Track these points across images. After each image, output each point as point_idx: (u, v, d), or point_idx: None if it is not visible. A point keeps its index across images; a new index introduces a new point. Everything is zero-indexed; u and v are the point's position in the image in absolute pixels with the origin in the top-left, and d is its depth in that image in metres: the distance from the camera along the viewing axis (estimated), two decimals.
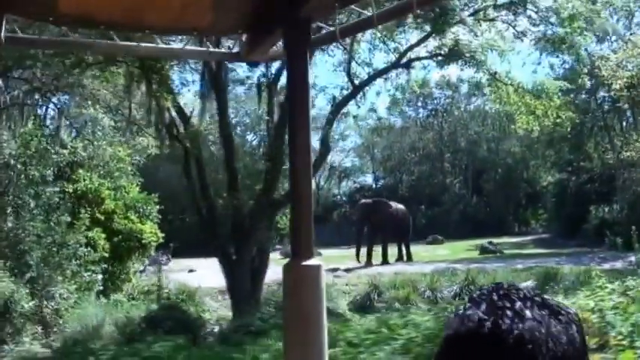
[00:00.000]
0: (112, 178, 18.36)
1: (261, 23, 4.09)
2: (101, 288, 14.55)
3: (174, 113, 10.86)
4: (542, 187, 37.25)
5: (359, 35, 11.82)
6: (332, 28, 4.45)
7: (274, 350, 6.58)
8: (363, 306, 16.50)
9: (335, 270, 22.34)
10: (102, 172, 17.99)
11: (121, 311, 13.47)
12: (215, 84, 10.81)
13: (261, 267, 11.63)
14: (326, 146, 11.58)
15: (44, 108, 15.14)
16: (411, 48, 12.04)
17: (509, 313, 0.98)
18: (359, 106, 12.56)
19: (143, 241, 18.26)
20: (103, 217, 17.50)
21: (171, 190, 27.52)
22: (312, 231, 3.94)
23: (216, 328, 11.00)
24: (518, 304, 0.99)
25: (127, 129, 14.84)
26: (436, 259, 25.28)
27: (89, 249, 14.37)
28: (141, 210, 18.70)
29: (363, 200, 26.11)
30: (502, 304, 0.99)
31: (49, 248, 13.58)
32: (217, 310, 14.62)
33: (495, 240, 32.26)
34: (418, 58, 12.34)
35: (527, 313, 0.98)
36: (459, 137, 38.76)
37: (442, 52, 11.99)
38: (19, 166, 12.82)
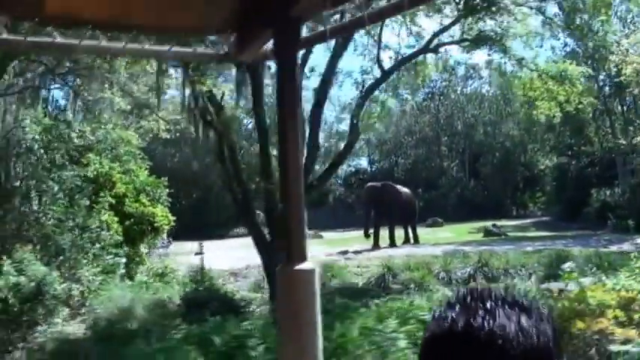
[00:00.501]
0: (120, 161, 18.58)
1: (251, 23, 4.11)
2: (123, 271, 14.86)
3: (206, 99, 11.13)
4: (539, 171, 37.91)
5: (387, 21, 12.15)
6: (322, 28, 4.47)
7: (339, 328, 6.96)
8: (378, 287, 16.92)
9: (345, 253, 22.83)
10: (110, 156, 18.20)
11: (146, 293, 13.82)
12: (251, 71, 11.13)
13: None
14: (355, 132, 11.93)
15: (58, 91, 15.24)
16: (438, 33, 12.41)
17: (480, 312, 1.04)
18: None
19: (155, 225, 18.57)
20: (114, 201, 17.72)
21: (167, 173, 27.78)
22: (305, 233, 3.96)
23: (257, 309, 11.38)
24: (490, 303, 1.06)
25: (148, 113, 15.07)
26: (442, 242, 25.78)
27: (111, 232, 14.66)
28: (151, 193, 18.98)
29: (371, 183, 26.53)
30: (474, 305, 1.06)
31: (72, 232, 13.86)
32: (239, 291, 15.03)
33: (484, 223, 32.97)
34: (445, 44, 12.72)
35: (498, 311, 1.04)
36: (455, 120, 39.27)
37: (469, 38, 12.38)
38: (41, 150, 13.05)
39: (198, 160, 33.48)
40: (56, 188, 12.95)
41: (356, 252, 23.30)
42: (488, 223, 32.57)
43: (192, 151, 31.64)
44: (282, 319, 4.00)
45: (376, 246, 24.52)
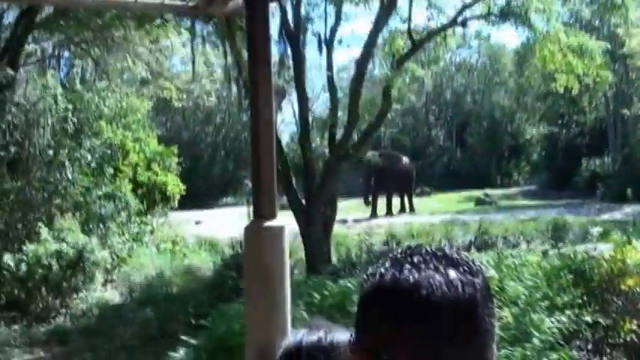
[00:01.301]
0: (130, 130, 18.88)
1: None
2: (149, 238, 15.34)
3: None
4: (525, 140, 39.00)
5: None
6: None
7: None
8: (384, 254, 17.61)
9: (344, 221, 23.55)
10: (119, 124, 18.49)
11: (175, 260, 14.37)
12: (292, 42, 11.64)
13: (332, 216, 12.71)
14: (388, 102, 12.54)
15: (76, 61, 15.49)
16: (465, 7, 13.02)
17: (407, 265, 1.09)
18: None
19: (167, 193, 19.01)
20: (127, 170, 18.09)
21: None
22: (275, 191, 3.97)
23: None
24: (417, 257, 1.11)
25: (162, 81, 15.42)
26: (437, 211, 26.70)
27: (141, 201, 15.11)
28: (161, 162, 19.37)
29: (371, 152, 27.15)
30: (403, 260, 1.11)
31: (100, 200, 14.30)
32: None
33: (481, 191, 34.01)
34: (473, 18, 13.33)
35: (426, 265, 1.09)
36: (444, 90, 40.03)
37: (495, 12, 12.99)
38: (74, 119, 13.39)
39: (187, 130, 33.71)
40: (89, 157, 13.33)
41: (355, 220, 24.08)
42: (475, 193, 33.61)
43: (182, 120, 31.86)
44: (250, 276, 3.94)
45: (374, 214, 25.31)
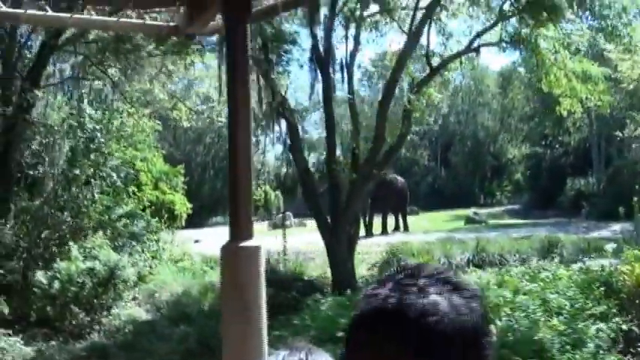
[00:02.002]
0: (137, 149, 19.24)
1: None
2: (166, 256, 15.68)
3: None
4: (507, 160, 40.06)
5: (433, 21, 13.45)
6: (273, 1, 4.40)
7: None
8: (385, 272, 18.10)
9: None
10: (125, 144, 18.84)
11: (196, 277, 14.73)
12: (321, 68, 12.25)
13: (356, 234, 13.24)
14: (408, 124, 13.16)
15: (96, 82, 15.85)
16: (479, 35, 13.76)
17: (413, 289, 1.06)
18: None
19: (175, 212, 19.37)
20: (136, 189, 18.40)
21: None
22: (251, 211, 3.97)
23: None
24: (422, 280, 1.08)
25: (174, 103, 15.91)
26: (429, 230, 27.35)
27: (156, 219, 15.46)
28: (168, 182, 19.75)
29: None
30: (407, 282, 1.08)
31: (122, 219, 14.64)
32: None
33: (465, 211, 34.80)
34: (486, 45, 14.09)
35: (431, 289, 1.06)
36: (429, 110, 40.92)
37: (506, 39, 13.76)
38: (102, 140, 13.76)
39: (179, 149, 34.03)
40: (114, 176, 13.68)
41: None
42: (460, 212, 34.39)
43: (173, 139, 32.18)
44: (226, 297, 3.95)
45: (369, 233, 25.83)
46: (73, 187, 13.75)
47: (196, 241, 25.21)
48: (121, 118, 14.61)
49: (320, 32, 11.92)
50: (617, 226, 25.56)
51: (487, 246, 20.53)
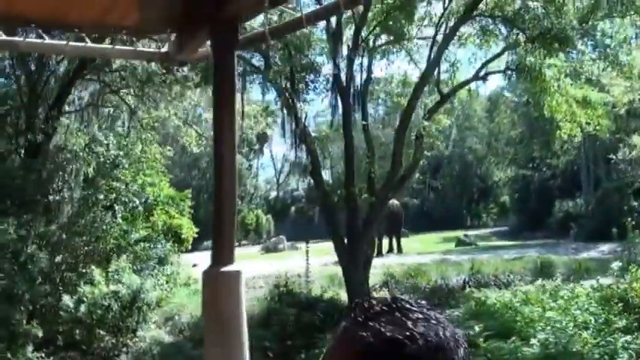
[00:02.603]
0: (145, 175, 19.59)
1: (189, 22, 4.16)
2: (180, 278, 15.99)
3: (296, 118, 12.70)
4: (493, 182, 40.89)
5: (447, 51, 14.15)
6: (261, 29, 4.48)
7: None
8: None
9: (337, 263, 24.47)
10: (134, 169, 19.20)
11: None
12: (342, 95, 12.84)
13: (371, 257, 13.72)
14: (420, 149, 13.74)
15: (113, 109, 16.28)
16: (486, 63, 14.45)
17: (419, 322, 1.08)
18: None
19: (182, 236, 19.68)
20: (160, 213, 18.70)
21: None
22: (234, 236, 4.03)
23: None
24: (415, 314, 1.10)
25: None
26: (422, 252, 27.86)
27: (172, 243, 15.80)
28: (174, 206, 20.06)
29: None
30: (403, 314, 1.09)
31: (139, 243, 14.97)
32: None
33: (453, 233, 35.43)
34: (492, 72, 14.79)
35: (430, 322, 1.09)
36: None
37: (512, 68, 14.46)
38: (126, 166, 14.15)
39: (172, 174, 34.29)
40: (137, 202, 14.04)
41: None
42: (449, 234, 35.03)
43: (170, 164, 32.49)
44: (208, 321, 4.02)
45: None
46: (92, 211, 14.07)
47: (194, 265, 25.52)
48: (142, 144, 15.00)
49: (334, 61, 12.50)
50: (605, 247, 26.30)
51: (482, 267, 21.01)
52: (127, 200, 14.04)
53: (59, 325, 12.51)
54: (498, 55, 14.52)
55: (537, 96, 14.98)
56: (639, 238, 19.61)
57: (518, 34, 13.41)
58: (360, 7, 12.26)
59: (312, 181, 44.40)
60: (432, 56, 13.16)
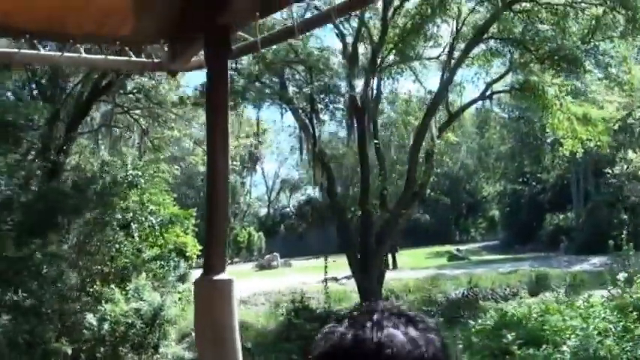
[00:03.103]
0: (151, 194, 19.87)
1: (182, 32, 4.19)
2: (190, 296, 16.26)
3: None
4: (482, 197, 41.57)
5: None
6: (252, 39, 4.37)
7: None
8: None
9: (336, 279, 24.78)
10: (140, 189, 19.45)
11: None
12: (358, 118, 13.40)
13: (384, 271, 14.19)
14: (431, 164, 14.27)
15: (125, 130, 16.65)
16: (493, 82, 15.07)
17: (368, 324, 1.09)
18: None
19: (187, 254, 19.94)
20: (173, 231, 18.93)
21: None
22: (225, 245, 4.03)
23: None
24: (377, 315, 1.11)
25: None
26: (416, 267, 28.36)
27: (188, 262, 16.10)
28: (179, 224, 20.33)
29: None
30: (362, 319, 1.11)
31: (156, 261, 15.27)
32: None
33: (443, 248, 35.95)
34: (498, 92, 15.40)
35: (386, 323, 1.09)
36: (406, 149, 42.35)
37: (517, 87, 15.09)
38: (143, 185, 14.48)
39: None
40: (154, 221, 14.34)
41: (347, 277, 25.38)
42: (439, 249, 35.57)
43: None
44: (200, 330, 4.04)
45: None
46: (106, 230, 14.33)
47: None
48: (158, 164, 15.34)
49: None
50: (596, 260, 26.98)
51: (479, 282, 21.41)
52: (143, 219, 14.33)
53: (83, 343, 12.72)
54: (503, 76, 15.15)
55: (540, 113, 15.58)
56: (633, 250, 20.38)
57: (525, 54, 14.03)
58: (376, 30, 12.83)
59: (301, 198, 44.85)
60: (444, 77, 13.73)
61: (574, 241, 29.71)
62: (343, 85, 13.71)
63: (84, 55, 4.61)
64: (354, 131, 13.90)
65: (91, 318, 12.78)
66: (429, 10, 12.49)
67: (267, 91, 13.25)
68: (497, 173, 37.89)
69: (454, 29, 13.99)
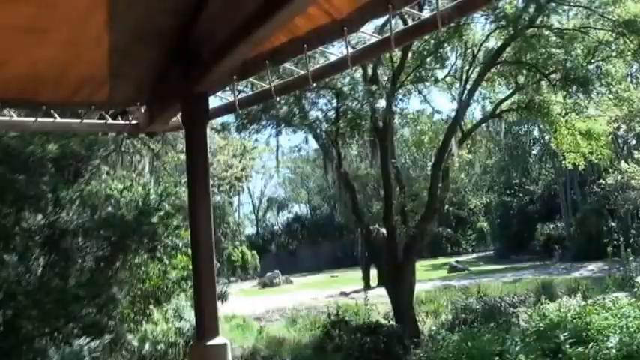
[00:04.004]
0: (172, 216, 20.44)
1: (158, 96, 4.29)
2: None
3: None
4: (469, 210, 42.74)
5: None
6: (231, 99, 4.62)
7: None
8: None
9: (346, 294, 25.59)
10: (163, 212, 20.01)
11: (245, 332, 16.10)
12: (379, 135, 14.27)
13: (414, 284, 15.03)
14: (447, 181, 15.18)
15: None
16: (501, 101, 16.08)
17: None
18: None
19: None
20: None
21: None
22: (217, 309, 4.07)
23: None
24: None
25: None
26: (419, 279, 29.19)
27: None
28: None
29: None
30: None
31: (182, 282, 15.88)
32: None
33: (438, 260, 36.84)
34: (506, 110, 16.40)
35: None
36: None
37: (523, 106, 16.09)
38: (167, 209, 15.11)
39: None
40: (180, 244, 14.99)
41: (355, 291, 26.18)
42: (434, 261, 36.47)
43: None
44: None
45: (367, 285, 27.51)
46: (133, 255, 14.91)
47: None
48: (177, 189, 15.94)
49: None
50: (592, 266, 28.19)
51: (487, 290, 22.33)
52: (169, 242, 14.94)
53: None
54: (511, 95, 16.16)
55: (547, 129, 16.59)
56: (632, 256, 21.56)
57: (533, 75, 15.05)
58: (392, 54, 13.73)
59: (289, 216, 45.59)
60: (462, 98, 14.69)
61: (568, 250, 30.86)
62: (363, 107, 14.57)
63: (58, 119, 4.68)
64: (376, 151, 14.78)
65: (132, 339, 13.36)
66: (446, 35, 13.47)
67: (296, 118, 13.99)
68: (485, 186, 39.10)
69: (471, 53, 14.99)
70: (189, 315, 13.99)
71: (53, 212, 11.34)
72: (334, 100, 14.01)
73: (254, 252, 40.75)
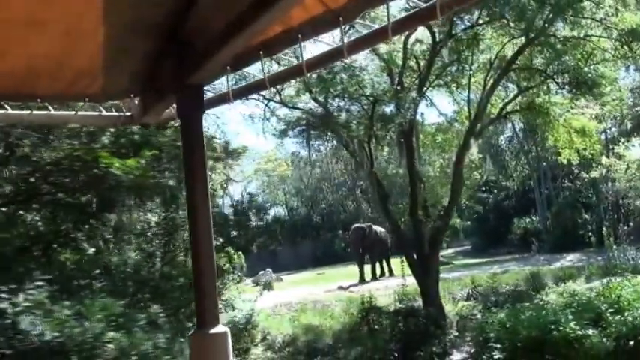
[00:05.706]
0: None
1: (153, 88, 4.27)
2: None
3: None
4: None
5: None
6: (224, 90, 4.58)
7: None
8: None
9: (344, 288, 26.94)
10: None
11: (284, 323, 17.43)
12: (406, 138, 15.86)
13: (438, 272, 16.65)
14: (460, 182, 16.81)
15: None
16: (508, 102, 17.81)
17: None
18: None
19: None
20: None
21: None
22: (217, 298, 4.07)
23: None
24: None
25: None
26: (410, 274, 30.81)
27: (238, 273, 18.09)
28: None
29: (357, 225, 31.09)
30: None
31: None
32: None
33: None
34: (511, 112, 18.17)
35: None
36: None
37: (524, 107, 17.87)
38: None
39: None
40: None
41: (353, 285, 27.56)
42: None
43: None
44: None
45: (362, 279, 28.99)
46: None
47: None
48: None
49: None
50: (571, 256, 30.19)
51: (480, 281, 23.85)
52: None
53: None
54: (516, 97, 17.94)
55: (543, 129, 18.41)
56: (614, 245, 23.40)
57: (537, 78, 16.83)
58: (417, 62, 15.31)
59: (269, 217, 46.70)
60: (481, 102, 16.34)
61: (545, 242, 32.77)
62: (389, 110, 16.05)
63: (53, 112, 4.74)
64: (403, 152, 16.36)
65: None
66: (466, 44, 15.12)
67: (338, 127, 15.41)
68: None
69: (489, 60, 16.68)
70: (241, 305, 15.29)
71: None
72: (366, 107, 15.47)
73: (239, 252, 41.74)
